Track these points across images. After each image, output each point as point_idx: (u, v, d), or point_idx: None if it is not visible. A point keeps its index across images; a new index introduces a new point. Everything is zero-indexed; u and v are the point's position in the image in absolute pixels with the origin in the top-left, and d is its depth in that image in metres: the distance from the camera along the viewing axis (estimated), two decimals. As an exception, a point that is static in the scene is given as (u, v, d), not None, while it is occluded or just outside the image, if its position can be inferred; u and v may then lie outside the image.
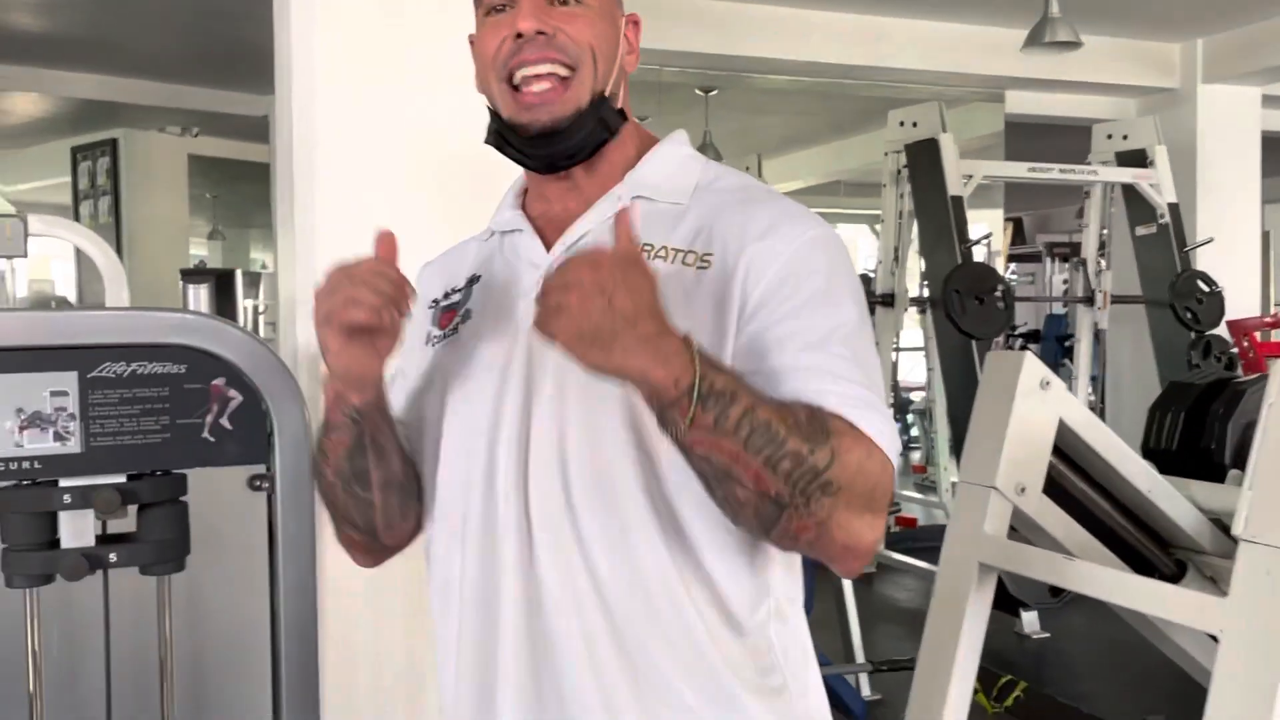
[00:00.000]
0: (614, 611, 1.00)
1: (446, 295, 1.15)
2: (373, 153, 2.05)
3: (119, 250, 7.27)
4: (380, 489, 1.09)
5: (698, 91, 6.17)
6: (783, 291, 1.00)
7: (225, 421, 1.41)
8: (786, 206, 1.06)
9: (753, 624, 1.03)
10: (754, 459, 0.90)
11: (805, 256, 1.01)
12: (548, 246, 1.09)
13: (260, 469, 1.46)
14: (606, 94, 1.06)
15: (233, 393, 1.41)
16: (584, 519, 1.00)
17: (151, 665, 1.43)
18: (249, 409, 1.42)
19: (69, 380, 1.35)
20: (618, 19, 1.09)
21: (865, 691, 3.72)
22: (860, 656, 3.75)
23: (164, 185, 7.67)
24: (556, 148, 1.06)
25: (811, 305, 0.99)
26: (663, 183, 1.09)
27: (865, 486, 0.94)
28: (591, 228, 1.08)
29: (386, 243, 1.01)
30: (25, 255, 2.41)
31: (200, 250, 10.05)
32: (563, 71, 1.03)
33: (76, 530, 1.35)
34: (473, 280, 1.14)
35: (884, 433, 0.96)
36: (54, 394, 1.34)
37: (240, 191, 8.97)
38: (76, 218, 7.59)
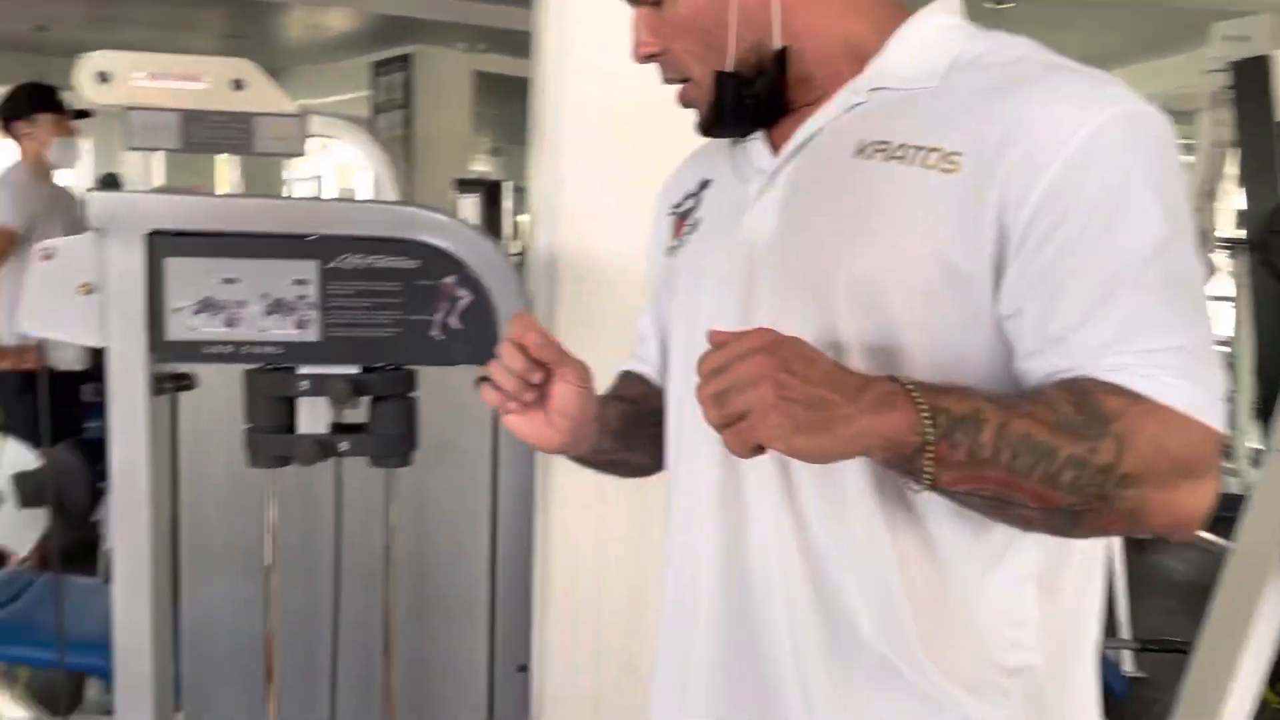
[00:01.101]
0: (813, 550, 0.89)
1: (681, 202, 1.07)
2: (621, 68, 1.98)
3: (409, 161, 7.71)
4: (623, 472, 1.12)
5: (988, 4, 5.70)
6: (1055, 210, 0.80)
7: (454, 320, 1.39)
8: (1067, 83, 0.84)
9: (988, 587, 0.87)
10: (1027, 480, 0.76)
11: (1089, 153, 0.80)
12: (778, 150, 0.97)
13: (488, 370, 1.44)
14: (728, 68, 0.95)
15: (462, 292, 1.39)
16: None
17: (377, 551, 1.46)
18: (478, 309, 1.40)
19: (310, 269, 1.36)
20: None
21: (1127, 667, 3.41)
22: (1126, 631, 3.43)
23: (450, 100, 8.02)
24: (730, 132, 1.00)
25: (1096, 227, 0.80)
26: (909, 66, 0.91)
27: (1171, 463, 0.77)
28: (824, 124, 0.93)
29: (518, 327, 0.94)
30: (303, 154, 2.52)
31: (482, 165, 10.48)
32: (682, 74, 0.98)
33: (312, 417, 1.38)
34: (704, 185, 1.04)
35: (1186, 391, 0.78)
36: (296, 282, 1.37)
37: (520, 108, 9.23)
38: (374, 131, 8.08)
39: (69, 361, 3.36)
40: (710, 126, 0.99)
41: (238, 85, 2.58)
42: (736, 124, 0.98)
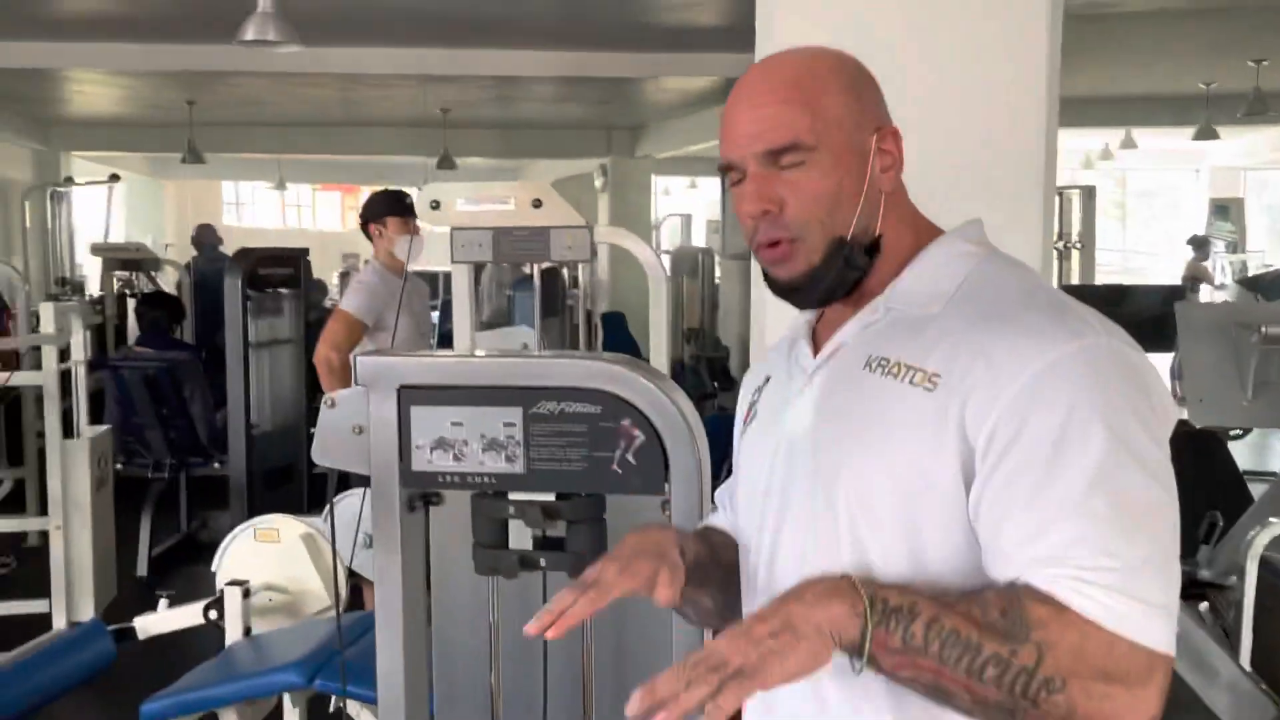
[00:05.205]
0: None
1: (756, 390, 1.22)
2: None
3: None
4: (707, 619, 1.24)
5: None
6: (1006, 437, 0.91)
7: (630, 457, 1.61)
8: (1035, 321, 0.94)
9: None
10: (955, 671, 0.87)
11: (1036, 391, 0.90)
12: (817, 350, 1.10)
13: (664, 496, 1.64)
14: (849, 237, 1.03)
15: (637, 433, 1.60)
16: None
17: (578, 654, 1.71)
18: (650, 447, 1.60)
19: (516, 414, 1.64)
20: (863, 146, 1.03)
21: None
22: None
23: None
24: (803, 299, 1.08)
25: (1039, 461, 0.89)
26: (921, 290, 1.03)
27: (1095, 674, 0.85)
28: (846, 340, 1.06)
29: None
30: (590, 259, 2.87)
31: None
32: (792, 235, 1.04)
33: (520, 535, 1.66)
34: (766, 381, 1.19)
35: (1115, 608, 0.85)
36: (506, 424, 1.65)
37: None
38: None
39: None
40: (798, 288, 1.05)
41: (537, 204, 2.99)
42: (829, 290, 1.04)
